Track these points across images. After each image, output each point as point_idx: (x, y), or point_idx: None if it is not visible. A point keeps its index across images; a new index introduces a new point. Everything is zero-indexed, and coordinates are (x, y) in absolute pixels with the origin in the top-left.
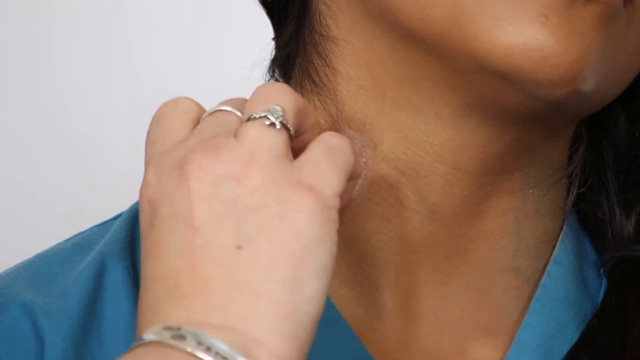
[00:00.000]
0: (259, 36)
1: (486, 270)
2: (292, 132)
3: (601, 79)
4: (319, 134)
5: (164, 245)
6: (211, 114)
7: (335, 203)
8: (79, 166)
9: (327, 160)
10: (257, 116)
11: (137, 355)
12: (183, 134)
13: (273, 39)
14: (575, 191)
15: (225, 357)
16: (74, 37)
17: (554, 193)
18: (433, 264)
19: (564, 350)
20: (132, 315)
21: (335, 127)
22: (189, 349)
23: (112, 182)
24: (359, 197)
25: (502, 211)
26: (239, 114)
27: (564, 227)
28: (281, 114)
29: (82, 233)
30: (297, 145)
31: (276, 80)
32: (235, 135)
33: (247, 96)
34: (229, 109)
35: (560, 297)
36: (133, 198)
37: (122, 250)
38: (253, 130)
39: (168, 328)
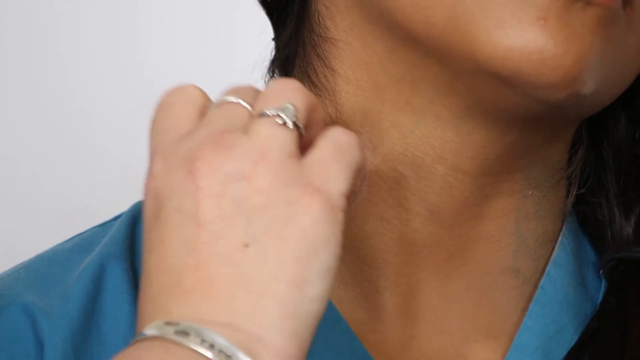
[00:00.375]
0: (259, 36)
1: (486, 271)
2: (302, 132)
3: (601, 81)
4: (325, 128)
5: (169, 240)
6: (218, 105)
7: (341, 204)
8: (85, 162)
9: (335, 159)
10: (270, 114)
11: (140, 349)
12: (190, 125)
13: (273, 39)
14: (574, 192)
15: (228, 355)
16: (79, 35)
17: (554, 194)
18: (433, 265)
19: (564, 351)
20: (132, 316)
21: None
22: (192, 346)
23: (117, 178)
24: (359, 198)
25: (502, 212)
26: (247, 106)
27: (564, 228)
28: (294, 113)
29: (82, 234)
30: (303, 139)
31: None
32: (246, 131)
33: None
34: (236, 100)
35: (559, 299)
36: (139, 194)
37: (122, 252)
38: (265, 128)
39: (171, 323)
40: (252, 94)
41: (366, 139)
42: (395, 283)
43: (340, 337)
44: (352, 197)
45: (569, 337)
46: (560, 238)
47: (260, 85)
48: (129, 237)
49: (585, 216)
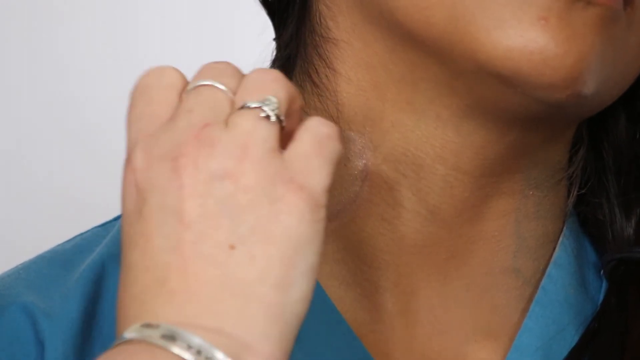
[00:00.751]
0: (260, 36)
1: (487, 271)
2: (284, 124)
3: (601, 81)
4: (304, 118)
5: (153, 237)
6: (196, 89)
7: (324, 200)
8: (85, 160)
9: (317, 153)
10: (252, 106)
11: (124, 353)
12: (169, 111)
13: (274, 39)
14: (575, 192)
15: None
16: (79, 35)
17: (555, 194)
18: (433, 266)
19: (564, 352)
20: None
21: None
22: (177, 351)
23: (117, 176)
24: (360, 198)
25: (503, 212)
26: (223, 88)
27: (564, 228)
28: (277, 106)
29: (82, 234)
30: (283, 130)
31: None
32: (227, 123)
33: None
34: (212, 83)
35: (560, 299)
36: None
37: None
38: (247, 122)
39: (156, 326)
40: (229, 73)
41: (367, 139)
42: (396, 283)
43: (341, 337)
44: (348, 200)
45: (570, 338)
46: (561, 238)
47: None
48: None
49: (586, 216)
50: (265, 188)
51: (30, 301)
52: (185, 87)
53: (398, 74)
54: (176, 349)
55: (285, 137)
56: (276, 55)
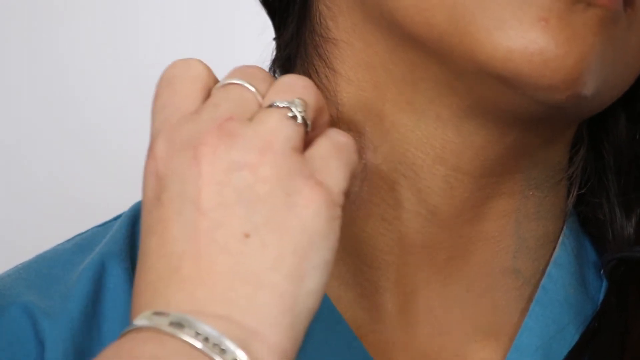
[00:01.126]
0: (260, 36)
1: (486, 271)
2: (309, 129)
3: (602, 82)
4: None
5: (170, 224)
6: (225, 86)
7: (340, 200)
8: (85, 159)
9: (335, 157)
10: (280, 105)
11: (133, 340)
12: (195, 104)
13: (274, 39)
14: (575, 192)
15: (222, 349)
16: (79, 34)
17: (555, 195)
18: (433, 266)
19: (564, 351)
20: None
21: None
22: (186, 338)
23: (117, 175)
24: (360, 198)
25: (503, 213)
26: (253, 89)
27: (564, 228)
28: (304, 108)
29: (82, 234)
30: (306, 138)
31: None
32: (252, 118)
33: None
34: (242, 82)
35: (560, 299)
36: (139, 190)
37: (122, 251)
38: (273, 119)
39: (165, 314)
40: (260, 77)
41: (367, 139)
42: (396, 283)
43: (341, 337)
44: (349, 197)
45: (570, 338)
46: (561, 238)
47: None
48: (129, 236)
49: (586, 216)
50: (283, 180)
51: (30, 301)
52: (210, 81)
53: (398, 74)
54: (184, 336)
55: (306, 146)
56: (276, 55)
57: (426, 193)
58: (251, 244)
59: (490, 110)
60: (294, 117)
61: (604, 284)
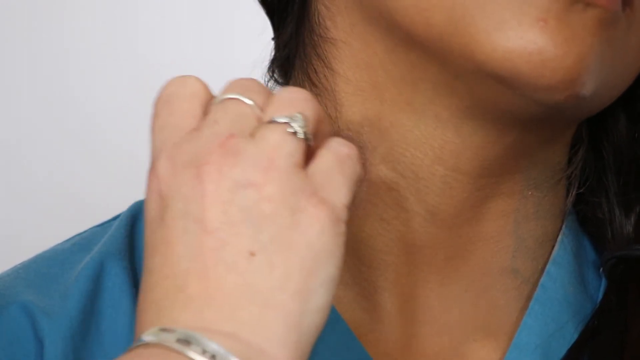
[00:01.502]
0: (259, 36)
1: (485, 271)
2: (311, 143)
3: (600, 82)
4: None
5: (174, 244)
6: (222, 102)
7: (344, 215)
8: (85, 158)
9: (338, 171)
10: (281, 121)
11: (140, 356)
12: (194, 121)
13: (273, 39)
14: (574, 192)
15: None
16: (79, 33)
17: (554, 194)
18: (432, 266)
19: (563, 350)
20: (132, 315)
21: (334, 129)
22: (193, 355)
23: (117, 174)
24: (358, 199)
25: (502, 213)
26: (251, 103)
27: (563, 227)
28: (305, 123)
29: (81, 234)
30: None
31: (275, 80)
32: (253, 135)
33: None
34: (239, 97)
35: (559, 297)
36: (138, 189)
37: (121, 250)
38: (274, 135)
39: (172, 330)
40: (256, 89)
41: (365, 139)
42: (395, 283)
43: (340, 337)
44: (350, 208)
45: (569, 336)
46: (560, 237)
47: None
48: (128, 236)
49: (585, 215)
50: (288, 199)
51: (30, 300)
52: (207, 97)
53: (397, 74)
54: (191, 353)
55: (307, 158)
56: (275, 55)
57: (425, 193)
58: (257, 263)
59: (489, 110)
60: (295, 133)
61: (603, 282)
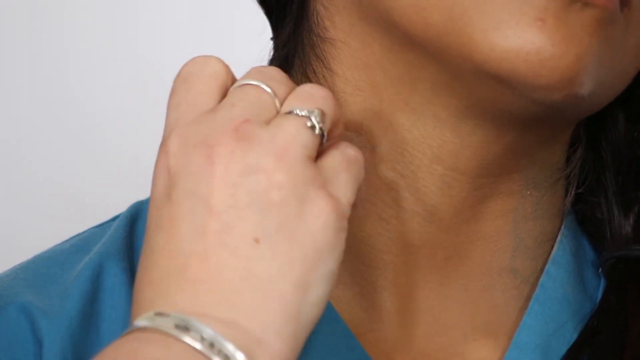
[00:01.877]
0: (260, 36)
1: (484, 271)
2: (325, 140)
3: (599, 82)
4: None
5: (179, 222)
6: (242, 87)
7: (348, 212)
8: (85, 158)
9: (345, 170)
10: (300, 114)
11: (137, 341)
12: (211, 103)
13: (271, 39)
14: (573, 192)
15: (227, 355)
16: (79, 33)
17: (552, 194)
18: (431, 265)
19: (563, 349)
20: (130, 315)
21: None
22: (191, 342)
23: (117, 173)
24: (358, 198)
25: (501, 212)
26: (270, 91)
27: (563, 227)
28: (323, 119)
29: (80, 234)
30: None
31: None
32: (269, 123)
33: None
34: (260, 84)
35: (558, 297)
36: (138, 188)
37: (120, 251)
38: (291, 127)
39: (170, 315)
40: (278, 79)
41: (364, 139)
42: (394, 283)
43: (339, 336)
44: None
45: (569, 336)
46: (559, 237)
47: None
48: (127, 236)
49: (584, 215)
50: (298, 188)
51: (29, 301)
52: (227, 80)
53: (396, 74)
54: (189, 339)
55: (317, 155)
56: (274, 54)
57: (424, 193)
58: (261, 250)
59: (488, 110)
60: (312, 127)
61: (602, 282)
